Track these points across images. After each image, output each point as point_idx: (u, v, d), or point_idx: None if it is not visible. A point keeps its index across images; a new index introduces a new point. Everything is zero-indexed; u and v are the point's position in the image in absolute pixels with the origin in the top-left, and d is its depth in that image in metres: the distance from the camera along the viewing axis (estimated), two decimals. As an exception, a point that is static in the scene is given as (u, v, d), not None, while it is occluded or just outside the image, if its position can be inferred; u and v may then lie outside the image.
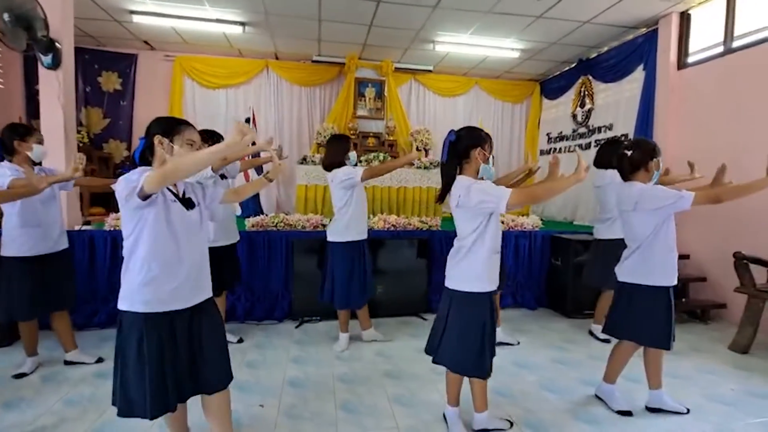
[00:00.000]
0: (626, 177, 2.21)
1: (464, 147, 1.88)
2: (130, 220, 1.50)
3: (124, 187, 1.43)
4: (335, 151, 2.98)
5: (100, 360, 2.81)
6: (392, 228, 4.01)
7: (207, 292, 1.68)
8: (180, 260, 1.55)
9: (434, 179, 5.90)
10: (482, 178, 1.92)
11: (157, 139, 1.55)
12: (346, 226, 2.97)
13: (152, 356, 1.48)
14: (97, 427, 2.08)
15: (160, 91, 6.39)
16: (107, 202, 5.82)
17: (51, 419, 2.15)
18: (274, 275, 3.77)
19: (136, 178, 1.42)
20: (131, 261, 1.51)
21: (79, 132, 5.14)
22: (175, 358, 1.54)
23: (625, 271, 2.22)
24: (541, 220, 4.67)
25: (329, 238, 3.06)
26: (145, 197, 1.42)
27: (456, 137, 1.90)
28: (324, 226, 3.99)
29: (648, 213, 2.07)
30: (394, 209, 5.69)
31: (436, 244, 4.05)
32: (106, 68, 6.24)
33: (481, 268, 1.88)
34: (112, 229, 3.51)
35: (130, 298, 1.51)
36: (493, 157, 1.97)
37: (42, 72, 3.76)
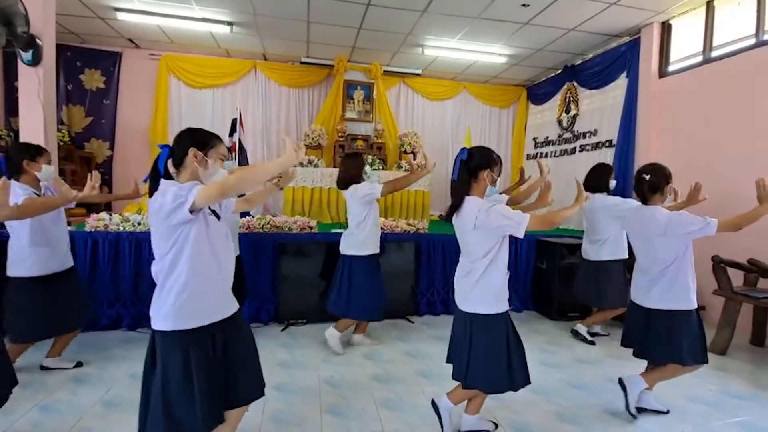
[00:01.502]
0: (646, 200, 2.29)
1: (474, 167, 1.89)
2: (168, 237, 1.43)
3: (169, 201, 1.36)
4: (351, 168, 3.01)
5: (79, 364, 2.74)
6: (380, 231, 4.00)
7: (236, 303, 1.67)
8: (219, 272, 1.55)
9: (421, 182, 5.92)
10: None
11: (192, 151, 1.52)
12: (365, 240, 3.00)
13: (200, 372, 1.45)
14: (74, 434, 2.02)
15: (145, 90, 6.28)
16: (89, 203, 5.68)
17: (26, 427, 2.08)
18: (260, 278, 3.72)
19: (185, 193, 1.37)
20: (170, 279, 1.46)
21: (60, 130, 5.03)
22: (218, 370, 1.52)
23: (654, 298, 2.22)
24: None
25: (345, 252, 3.05)
26: (191, 212, 1.38)
27: (468, 156, 1.90)
28: (311, 228, 3.97)
29: (676, 238, 2.13)
30: (382, 212, 5.68)
31: (423, 247, 4.05)
32: (89, 66, 6.11)
33: (498, 289, 1.89)
34: (93, 230, 3.42)
35: (174, 317, 1.45)
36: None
37: (22, 68, 3.67)
